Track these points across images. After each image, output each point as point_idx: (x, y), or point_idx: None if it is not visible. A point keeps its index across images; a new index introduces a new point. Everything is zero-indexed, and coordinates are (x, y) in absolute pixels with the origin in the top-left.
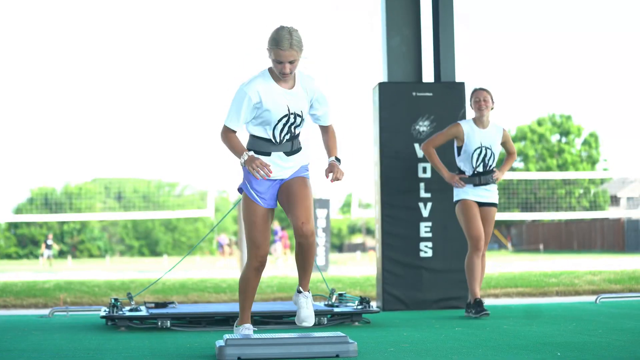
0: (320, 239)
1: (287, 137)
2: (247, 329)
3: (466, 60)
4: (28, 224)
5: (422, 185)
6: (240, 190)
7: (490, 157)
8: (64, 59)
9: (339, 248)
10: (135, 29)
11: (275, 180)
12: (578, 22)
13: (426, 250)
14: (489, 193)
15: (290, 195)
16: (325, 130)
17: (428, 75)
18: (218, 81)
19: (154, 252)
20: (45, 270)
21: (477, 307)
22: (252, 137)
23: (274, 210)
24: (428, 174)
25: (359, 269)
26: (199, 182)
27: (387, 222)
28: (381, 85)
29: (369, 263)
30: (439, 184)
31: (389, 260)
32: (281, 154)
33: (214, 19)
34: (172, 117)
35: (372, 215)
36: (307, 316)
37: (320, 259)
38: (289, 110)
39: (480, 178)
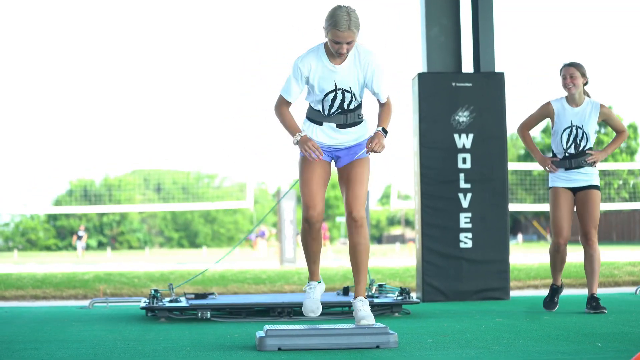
0: None
1: (338, 110)
2: (311, 288)
3: (507, 50)
4: (67, 216)
5: (461, 175)
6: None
7: (582, 138)
8: (106, 52)
9: (378, 239)
10: (172, 21)
11: (329, 146)
12: (620, 12)
13: (466, 241)
14: (585, 176)
15: (349, 179)
16: (382, 104)
17: (467, 66)
18: (257, 72)
19: (193, 244)
20: (79, 261)
21: (591, 302)
22: (310, 106)
23: (329, 169)
24: (468, 165)
25: (398, 261)
26: (238, 173)
27: (427, 212)
28: (421, 75)
29: (409, 254)
30: (479, 175)
31: (428, 251)
32: (333, 125)
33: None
34: (211, 109)
35: (411, 206)
36: (365, 316)
37: None
38: (335, 86)
39: (572, 161)
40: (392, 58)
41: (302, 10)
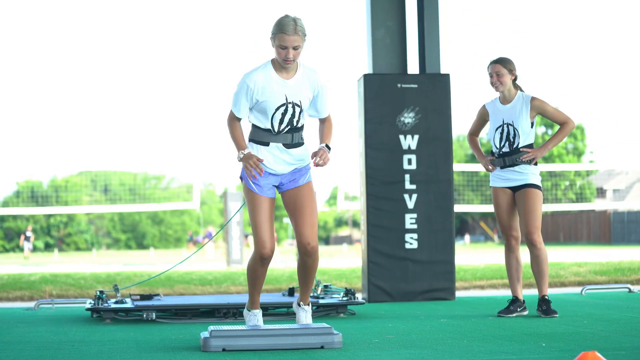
0: None
1: (287, 128)
2: (254, 316)
3: (452, 51)
4: (14, 217)
5: (407, 176)
6: (241, 178)
7: (515, 135)
8: (51, 52)
9: (326, 240)
10: (123, 21)
11: (276, 174)
12: (564, 12)
13: (412, 241)
14: (520, 175)
15: (296, 207)
16: (323, 121)
17: (413, 67)
18: (204, 72)
19: (141, 245)
20: (26, 263)
21: (542, 305)
22: (253, 126)
23: (274, 202)
24: (413, 166)
25: (345, 261)
26: (185, 174)
27: (373, 213)
28: (366, 77)
29: (356, 255)
30: (424, 176)
31: (374, 252)
32: (280, 145)
33: (203, 12)
34: (158, 110)
35: (358, 207)
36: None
37: None
38: (286, 99)
39: (506, 159)
40: (336, 59)
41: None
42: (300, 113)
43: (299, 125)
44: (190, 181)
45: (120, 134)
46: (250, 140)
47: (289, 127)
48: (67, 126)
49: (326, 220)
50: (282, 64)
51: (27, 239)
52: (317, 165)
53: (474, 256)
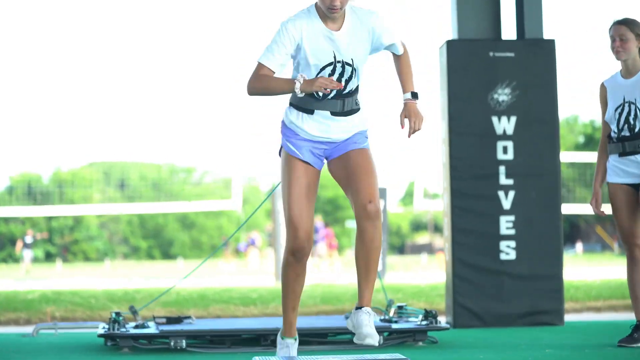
0: None
1: (334, 91)
2: (286, 347)
3: (555, 12)
4: (7, 220)
5: (502, 169)
6: (280, 150)
7: (636, 116)
8: (55, 29)
9: (400, 249)
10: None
11: (322, 140)
12: None
13: (508, 251)
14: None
15: (350, 171)
16: (397, 58)
17: (509, 31)
18: (238, 48)
19: (167, 255)
20: (25, 277)
21: (637, 331)
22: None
23: (318, 177)
24: (510, 155)
25: (424, 276)
26: (222, 167)
27: (459, 215)
28: (450, 43)
29: (437, 268)
30: (524, 168)
31: (461, 263)
32: (327, 113)
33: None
34: (186, 87)
35: (440, 208)
36: (370, 334)
37: None
38: (335, 57)
39: (625, 145)
40: (412, 21)
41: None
42: (352, 73)
43: (350, 89)
44: (228, 174)
45: (141, 117)
46: (291, 104)
47: (337, 90)
48: (73, 107)
49: (400, 225)
50: (327, 12)
51: (26, 246)
52: (413, 132)
53: (588, 270)
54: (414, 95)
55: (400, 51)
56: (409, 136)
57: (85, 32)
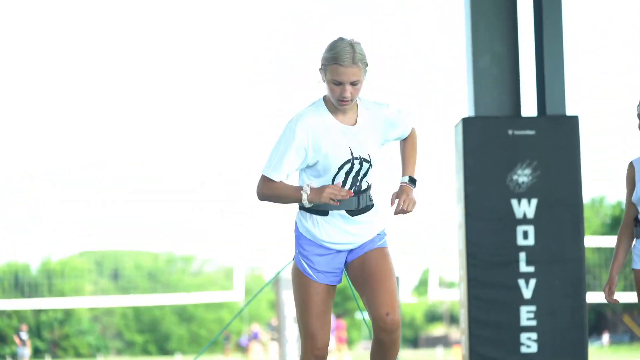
0: None
1: (351, 190)
2: None
3: (577, 86)
4: None
5: (522, 255)
6: (296, 262)
7: None
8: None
9: (414, 343)
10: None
11: (340, 250)
12: None
13: (529, 344)
14: None
15: (367, 274)
16: (404, 140)
17: (529, 107)
18: (244, 126)
19: (164, 350)
20: None
21: None
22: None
23: (336, 287)
24: (531, 240)
25: None
26: (223, 255)
27: (476, 306)
28: (466, 121)
29: None
30: (546, 254)
31: (479, 358)
32: (343, 213)
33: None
34: (186, 172)
35: (456, 297)
36: None
37: None
38: (352, 153)
39: None
40: (427, 98)
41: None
42: (369, 169)
43: (366, 186)
44: (229, 264)
45: (135, 203)
46: (301, 207)
47: (354, 188)
48: (65, 192)
49: (414, 316)
50: (337, 104)
51: (23, 342)
52: (399, 212)
53: None
54: (412, 181)
55: (408, 133)
56: (395, 213)
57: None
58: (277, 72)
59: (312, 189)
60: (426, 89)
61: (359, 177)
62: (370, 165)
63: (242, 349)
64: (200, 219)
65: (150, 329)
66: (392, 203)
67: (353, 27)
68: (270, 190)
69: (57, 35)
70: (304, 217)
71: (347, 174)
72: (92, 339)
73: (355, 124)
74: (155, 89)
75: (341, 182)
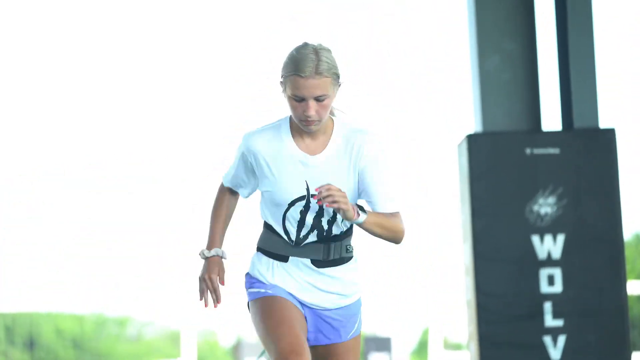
0: None
1: (313, 235)
2: None
3: (612, 95)
4: None
5: (548, 306)
6: (248, 304)
7: None
8: None
9: None
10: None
11: (300, 301)
12: None
13: None
14: None
15: None
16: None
17: (551, 119)
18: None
19: None
20: None
21: None
22: (266, 227)
23: (298, 310)
24: (558, 288)
25: None
26: (167, 316)
27: None
28: (472, 138)
29: None
30: (578, 304)
31: None
32: (307, 262)
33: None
34: (119, 215)
35: None
36: None
37: None
38: (307, 189)
39: None
40: (424, 113)
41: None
42: (335, 212)
43: (339, 232)
44: (175, 327)
45: (55, 253)
46: (259, 249)
47: (317, 233)
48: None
49: None
50: (300, 125)
51: None
52: (321, 197)
53: None
54: (363, 211)
55: (387, 210)
56: (313, 197)
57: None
58: (277, 71)
59: (210, 259)
60: (424, 101)
61: (323, 221)
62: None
63: None
64: (137, 272)
65: None
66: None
67: (352, 27)
68: (215, 204)
69: (57, 35)
70: (258, 260)
71: (303, 213)
72: None
73: (322, 151)
74: (155, 89)
75: (296, 224)
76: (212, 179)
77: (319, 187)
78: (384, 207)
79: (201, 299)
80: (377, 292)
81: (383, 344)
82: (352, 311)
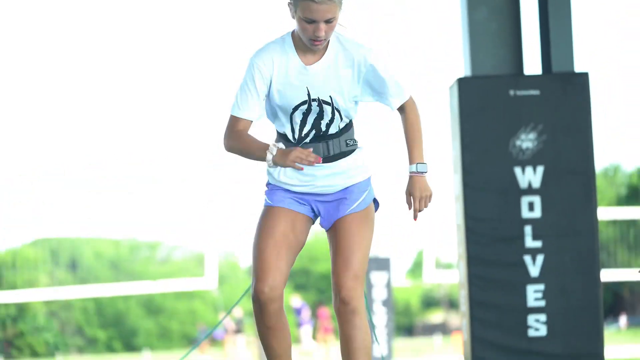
0: (380, 317)
1: (312, 133)
2: None
3: (587, 41)
4: None
5: (528, 229)
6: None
7: None
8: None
9: (409, 331)
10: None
11: (306, 192)
12: None
13: (538, 326)
14: None
15: (338, 240)
16: (405, 118)
17: (532, 65)
18: (210, 95)
19: (130, 347)
20: None
21: None
22: (278, 133)
23: (305, 225)
24: (537, 213)
25: None
26: (193, 240)
27: (478, 286)
28: (462, 81)
29: (454, 351)
30: (554, 227)
31: (482, 343)
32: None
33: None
34: (150, 150)
35: (455, 279)
36: None
37: (381, 347)
38: (309, 95)
39: None
40: (418, 57)
41: None
42: (333, 113)
43: (335, 130)
44: (201, 249)
45: (94, 184)
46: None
47: (314, 131)
48: (13, 176)
49: (408, 301)
50: (309, 44)
51: None
52: (419, 212)
53: (635, 347)
54: (421, 167)
55: (398, 104)
56: (415, 219)
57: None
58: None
59: (278, 150)
60: (417, 48)
61: (322, 122)
62: (335, 109)
63: (218, 343)
64: (166, 200)
65: (115, 324)
66: (409, 206)
67: (353, 26)
68: (236, 141)
69: (57, 34)
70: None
71: (305, 115)
72: (49, 336)
73: (317, 62)
74: (155, 89)
75: (299, 123)
76: (212, 178)
77: (416, 212)
78: (399, 94)
79: (309, 163)
80: (377, 218)
81: (383, 264)
82: (355, 189)
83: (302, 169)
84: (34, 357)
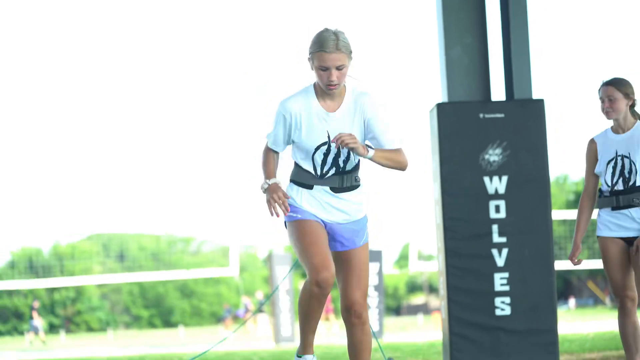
0: (372, 300)
1: (332, 170)
2: None
3: (544, 72)
4: (10, 293)
5: (495, 227)
6: (285, 223)
7: (630, 170)
8: (53, 95)
9: (396, 311)
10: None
11: (323, 219)
12: None
13: (503, 307)
14: (635, 223)
15: (347, 267)
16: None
17: (498, 93)
18: (235, 115)
19: (168, 323)
20: (38, 347)
21: None
22: (296, 165)
23: (324, 229)
24: (502, 214)
25: (421, 335)
26: (220, 235)
27: (454, 274)
28: (440, 106)
29: (434, 328)
30: (516, 226)
31: (457, 321)
32: (327, 189)
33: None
34: (184, 160)
35: (435, 268)
36: None
37: (373, 324)
38: (329, 137)
39: (620, 199)
40: (404, 87)
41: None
42: (349, 153)
43: (350, 167)
44: (226, 243)
45: (138, 189)
46: (291, 180)
47: (334, 169)
48: (71, 180)
49: (396, 286)
50: (325, 89)
51: (38, 314)
52: (339, 140)
53: (582, 324)
54: (371, 147)
55: (395, 147)
56: (332, 140)
57: (78, 100)
58: (277, 72)
59: (271, 185)
60: (403, 78)
61: (340, 159)
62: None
63: (239, 320)
64: (198, 203)
65: (155, 304)
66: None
67: (336, 17)
68: (264, 157)
69: (57, 34)
70: (291, 188)
71: (325, 155)
72: (102, 315)
73: (337, 109)
74: (155, 89)
75: (320, 163)
76: (213, 178)
77: (334, 137)
78: (390, 144)
79: (272, 215)
80: (372, 217)
81: (375, 256)
82: (359, 225)
83: (271, 208)
84: (90, 332)
